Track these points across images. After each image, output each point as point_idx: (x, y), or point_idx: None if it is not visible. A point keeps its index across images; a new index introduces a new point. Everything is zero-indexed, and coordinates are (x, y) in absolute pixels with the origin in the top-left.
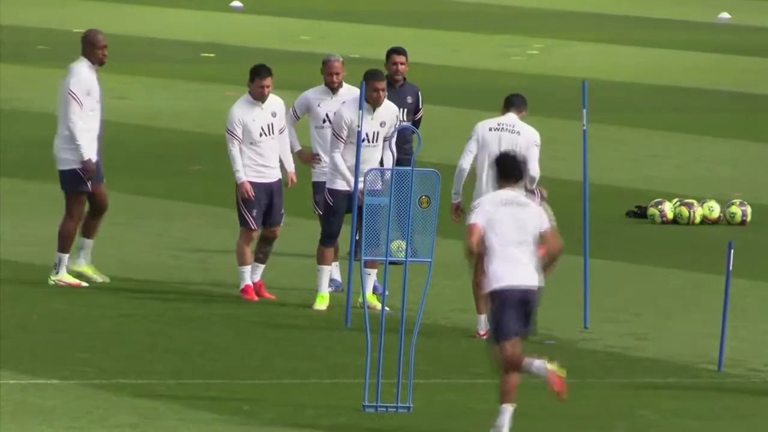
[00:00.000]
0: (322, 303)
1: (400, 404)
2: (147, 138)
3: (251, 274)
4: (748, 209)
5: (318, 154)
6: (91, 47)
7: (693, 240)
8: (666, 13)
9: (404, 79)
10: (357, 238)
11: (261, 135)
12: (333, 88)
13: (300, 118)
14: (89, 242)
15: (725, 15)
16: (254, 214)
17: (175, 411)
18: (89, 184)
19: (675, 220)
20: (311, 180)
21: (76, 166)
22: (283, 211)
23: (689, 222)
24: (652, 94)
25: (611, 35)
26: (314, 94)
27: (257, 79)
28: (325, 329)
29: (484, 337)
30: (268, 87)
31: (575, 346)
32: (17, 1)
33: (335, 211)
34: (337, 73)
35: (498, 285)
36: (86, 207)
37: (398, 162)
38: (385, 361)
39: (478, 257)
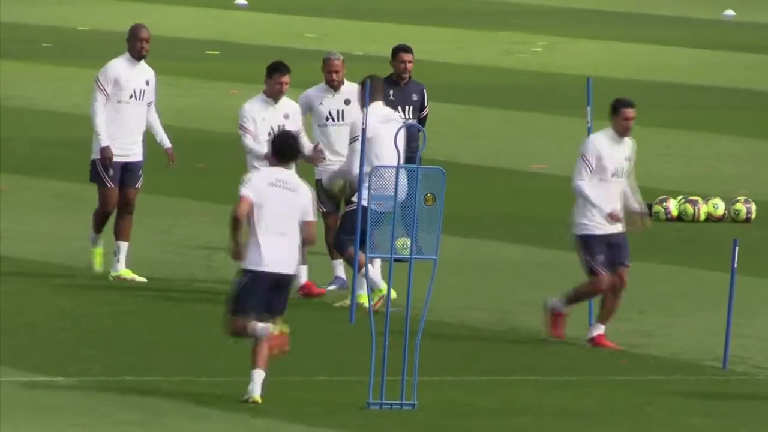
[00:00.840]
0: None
1: (404, 401)
2: (151, 135)
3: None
4: (753, 206)
5: (321, 150)
6: (131, 40)
7: (698, 237)
8: (671, 10)
9: (410, 76)
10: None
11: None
12: (334, 86)
13: (303, 116)
14: (122, 245)
15: (730, 12)
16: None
17: (180, 408)
18: (109, 179)
19: (680, 218)
20: (315, 178)
21: (94, 156)
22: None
23: (694, 219)
24: (656, 91)
25: (616, 32)
26: (315, 92)
27: (276, 75)
28: (330, 327)
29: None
30: (285, 84)
31: (580, 344)
32: None
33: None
34: (337, 71)
35: (253, 267)
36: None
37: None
38: (389, 358)
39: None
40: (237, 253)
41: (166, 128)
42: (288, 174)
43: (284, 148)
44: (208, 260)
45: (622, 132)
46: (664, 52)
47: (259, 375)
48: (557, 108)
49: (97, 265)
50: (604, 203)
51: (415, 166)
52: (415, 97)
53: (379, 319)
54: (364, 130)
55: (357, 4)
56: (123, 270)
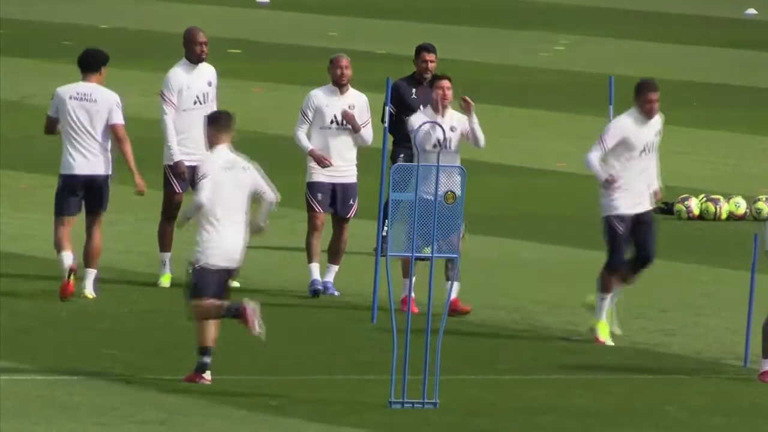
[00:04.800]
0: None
1: (426, 400)
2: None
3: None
4: None
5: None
6: (188, 44)
7: (719, 236)
8: (693, 9)
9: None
10: (384, 233)
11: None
12: (340, 85)
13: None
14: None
15: (752, 11)
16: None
17: (202, 407)
18: (177, 185)
19: (701, 216)
20: (307, 180)
21: (165, 162)
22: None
23: (715, 218)
24: (678, 90)
25: (638, 31)
26: (323, 93)
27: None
28: (352, 326)
29: None
30: (347, 68)
31: (602, 342)
32: None
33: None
34: (347, 67)
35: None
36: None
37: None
38: (411, 357)
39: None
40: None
41: None
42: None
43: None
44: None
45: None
46: (686, 50)
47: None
48: (579, 107)
49: (166, 285)
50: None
51: (435, 165)
52: None
53: (401, 318)
54: (386, 129)
55: (380, 2)
56: (164, 274)
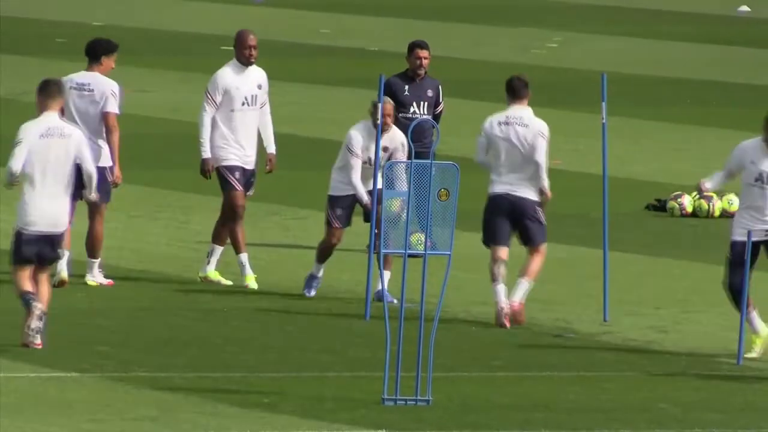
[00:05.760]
0: None
1: (419, 397)
2: (167, 131)
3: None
4: None
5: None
6: (238, 47)
7: (712, 233)
8: (686, 6)
9: (425, 72)
10: (376, 231)
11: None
12: (383, 129)
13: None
14: (217, 248)
15: (745, 8)
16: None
17: (194, 404)
18: (236, 182)
19: (694, 213)
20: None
21: (218, 164)
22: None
23: (709, 215)
24: (671, 87)
25: (631, 28)
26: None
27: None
28: (344, 323)
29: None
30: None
31: (595, 340)
32: None
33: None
34: (389, 115)
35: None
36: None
37: (417, 155)
38: (404, 354)
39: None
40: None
41: (180, 123)
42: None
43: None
44: (222, 256)
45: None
46: (679, 47)
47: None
48: (572, 104)
49: (254, 286)
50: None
51: (429, 161)
52: (430, 93)
53: (393, 315)
54: (378, 126)
55: (372, 0)
56: (210, 272)
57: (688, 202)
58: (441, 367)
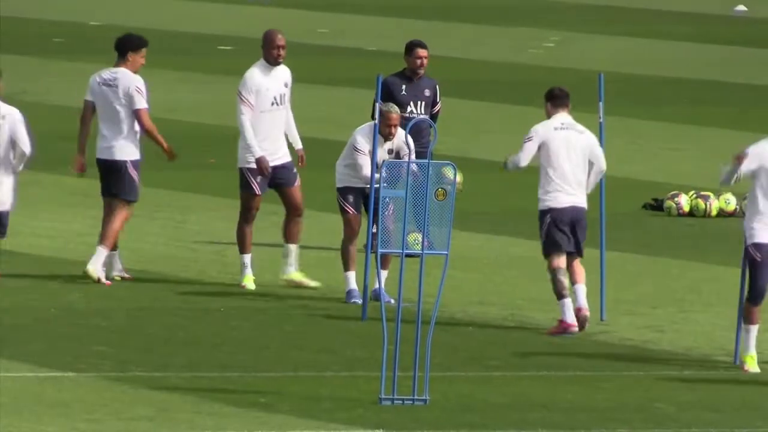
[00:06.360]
0: None
1: (416, 397)
2: (164, 131)
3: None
4: None
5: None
6: (266, 47)
7: (709, 232)
8: (682, 6)
9: (423, 72)
10: (374, 230)
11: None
12: (387, 137)
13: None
14: (292, 248)
15: (742, 8)
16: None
17: (191, 403)
18: (257, 186)
19: (691, 213)
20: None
21: (242, 165)
22: None
23: (705, 214)
24: (669, 86)
25: (628, 28)
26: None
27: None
28: (341, 322)
29: None
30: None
31: (592, 339)
32: None
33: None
34: (395, 125)
35: None
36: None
37: (415, 155)
38: (401, 353)
39: None
40: None
41: (178, 123)
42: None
43: None
44: (219, 255)
45: None
46: (676, 47)
47: None
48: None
49: (305, 280)
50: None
51: (426, 161)
52: (427, 93)
53: (391, 315)
54: (375, 126)
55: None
56: (294, 273)
57: (685, 201)
58: (438, 366)
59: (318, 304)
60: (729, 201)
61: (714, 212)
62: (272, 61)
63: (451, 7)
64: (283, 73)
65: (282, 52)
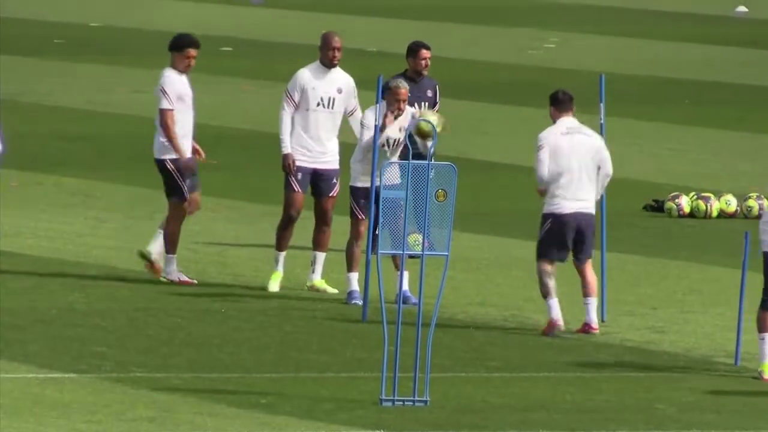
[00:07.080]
0: None
1: (417, 398)
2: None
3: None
4: (765, 203)
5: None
6: (323, 48)
7: (710, 234)
8: (683, 7)
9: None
10: (375, 232)
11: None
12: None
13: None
14: (319, 255)
15: (743, 8)
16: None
17: (192, 404)
18: (296, 183)
19: (692, 214)
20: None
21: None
22: None
23: (706, 216)
24: (669, 87)
25: (628, 28)
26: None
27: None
28: (342, 323)
29: None
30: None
31: (592, 340)
32: None
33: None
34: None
35: None
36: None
37: (415, 156)
38: (402, 354)
39: None
40: None
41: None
42: None
43: None
44: (220, 256)
45: None
46: (677, 48)
47: None
48: None
49: (273, 288)
50: None
51: (427, 162)
52: (429, 93)
53: (391, 316)
54: (376, 127)
55: (370, 1)
56: (317, 281)
57: (685, 202)
58: (438, 367)
59: (319, 305)
60: (729, 202)
61: (715, 213)
62: (327, 63)
63: (451, 7)
64: (339, 77)
65: (337, 54)
